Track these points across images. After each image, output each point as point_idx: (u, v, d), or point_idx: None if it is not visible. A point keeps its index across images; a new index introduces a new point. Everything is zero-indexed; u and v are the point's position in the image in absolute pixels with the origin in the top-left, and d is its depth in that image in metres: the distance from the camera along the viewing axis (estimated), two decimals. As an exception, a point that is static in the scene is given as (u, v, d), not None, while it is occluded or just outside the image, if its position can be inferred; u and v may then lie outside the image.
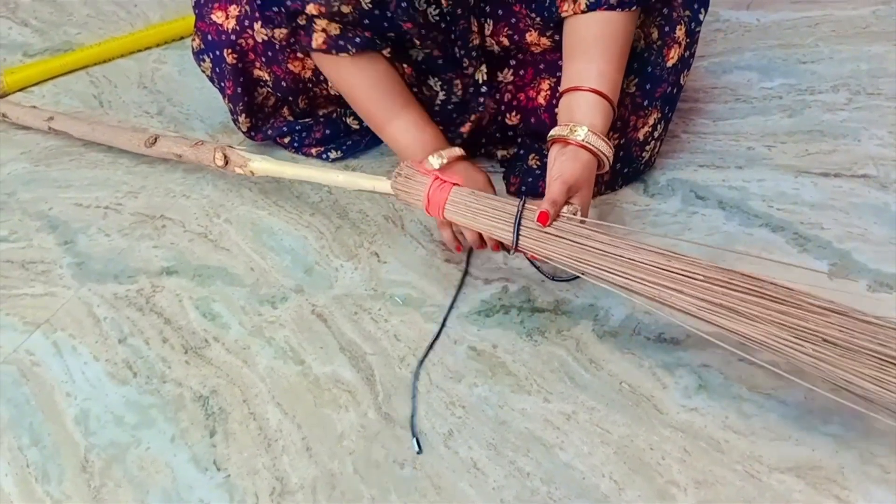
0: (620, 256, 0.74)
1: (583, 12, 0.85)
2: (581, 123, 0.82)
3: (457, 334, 0.86)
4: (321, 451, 0.77)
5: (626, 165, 0.99)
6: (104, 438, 0.80)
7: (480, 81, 0.96)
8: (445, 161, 0.89)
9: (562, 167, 0.81)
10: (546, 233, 0.77)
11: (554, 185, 0.80)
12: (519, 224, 0.79)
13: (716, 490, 0.71)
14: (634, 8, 0.85)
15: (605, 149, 0.83)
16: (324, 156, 1.12)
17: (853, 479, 0.70)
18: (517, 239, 0.79)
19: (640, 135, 0.97)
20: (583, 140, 0.81)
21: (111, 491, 0.76)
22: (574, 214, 0.79)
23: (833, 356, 0.66)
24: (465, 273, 0.93)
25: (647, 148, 0.99)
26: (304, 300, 0.92)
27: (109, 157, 1.16)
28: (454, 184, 0.84)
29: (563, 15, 0.87)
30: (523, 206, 0.79)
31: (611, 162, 0.85)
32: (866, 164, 1.01)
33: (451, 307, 0.89)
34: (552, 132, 0.85)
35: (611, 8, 0.84)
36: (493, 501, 0.72)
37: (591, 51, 0.85)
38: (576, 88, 0.85)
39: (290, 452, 0.77)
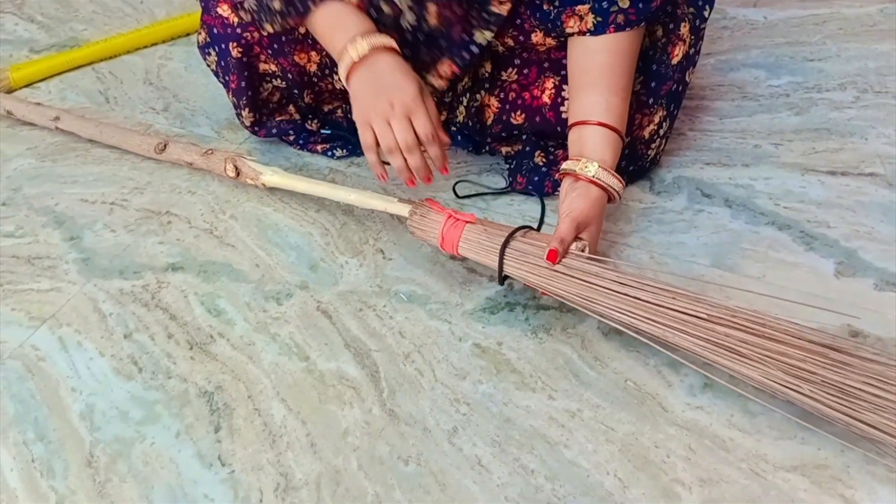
0: (626, 295, 0.76)
1: (590, 31, 0.85)
2: (591, 159, 0.85)
3: (461, 331, 0.86)
4: (325, 447, 0.77)
5: (631, 163, 0.99)
6: (109, 433, 0.80)
7: (477, 41, 0.92)
8: (367, 50, 0.84)
9: (571, 204, 0.83)
10: (554, 270, 0.79)
11: (563, 222, 0.82)
12: (503, 255, 0.81)
13: (721, 488, 0.70)
14: (642, 25, 0.86)
15: (616, 184, 0.85)
16: (329, 153, 1.12)
17: (858, 478, 0.70)
18: (501, 272, 0.82)
19: (646, 133, 0.97)
20: (593, 176, 0.84)
21: (116, 486, 0.76)
22: (582, 250, 0.81)
23: (829, 398, 0.68)
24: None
25: (653, 146, 0.99)
26: (309, 296, 0.92)
27: (115, 154, 1.17)
28: (467, 221, 0.85)
29: (569, 31, 0.87)
30: (506, 242, 0.81)
31: (621, 196, 0.87)
32: (873, 162, 1.01)
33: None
34: (564, 166, 0.87)
35: (619, 28, 0.84)
36: (497, 498, 0.72)
37: (598, 83, 0.87)
38: (584, 123, 0.87)
39: (295, 448, 0.77)
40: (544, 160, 1.00)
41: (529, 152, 1.01)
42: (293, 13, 0.89)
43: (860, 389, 0.67)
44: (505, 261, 0.82)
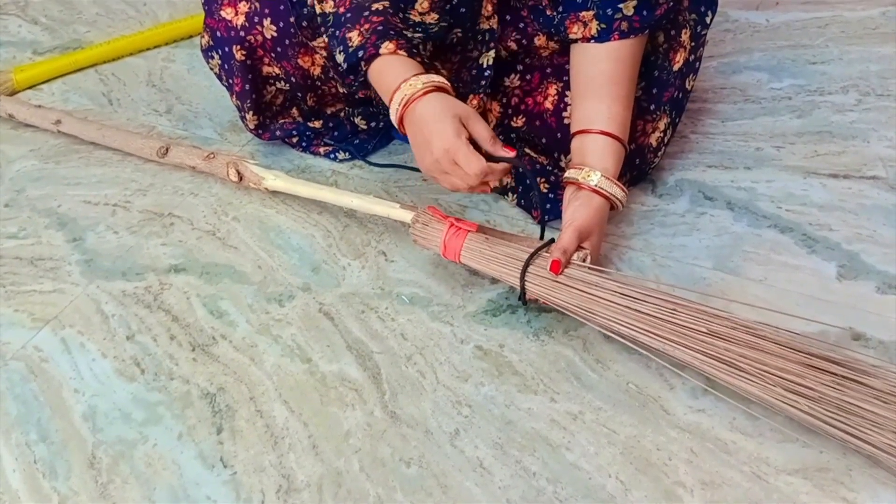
0: (627, 307, 0.76)
1: (593, 38, 0.86)
2: (594, 167, 0.85)
3: (463, 334, 0.86)
4: (327, 449, 0.77)
5: (636, 169, 0.98)
6: (111, 435, 0.80)
7: (485, 66, 0.94)
8: (420, 87, 0.81)
9: (574, 213, 0.84)
10: (555, 280, 0.80)
11: (566, 232, 0.82)
12: (524, 279, 0.81)
13: (723, 491, 0.70)
14: (645, 32, 0.86)
15: (619, 193, 0.85)
16: (331, 155, 1.12)
17: (861, 480, 0.70)
18: (523, 294, 0.82)
19: (653, 140, 0.97)
20: (595, 185, 0.84)
21: (118, 487, 0.76)
22: (584, 260, 0.81)
23: (827, 414, 0.68)
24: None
25: (660, 154, 0.99)
26: (312, 298, 0.92)
27: (118, 156, 1.17)
28: (468, 230, 0.86)
29: (572, 37, 0.87)
30: (529, 261, 0.81)
31: (624, 205, 0.87)
32: (875, 165, 1.01)
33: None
34: (567, 174, 0.87)
35: (623, 35, 0.84)
36: (498, 501, 0.72)
37: (601, 91, 0.87)
38: (586, 131, 0.87)
39: (297, 450, 0.77)
40: (547, 187, 0.98)
41: (530, 184, 0.98)
42: (352, 79, 0.90)
43: (859, 406, 0.67)
44: (505, 269, 0.83)
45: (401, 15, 0.89)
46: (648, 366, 0.81)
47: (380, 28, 0.85)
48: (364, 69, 0.87)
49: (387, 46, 0.84)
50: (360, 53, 0.85)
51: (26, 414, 0.83)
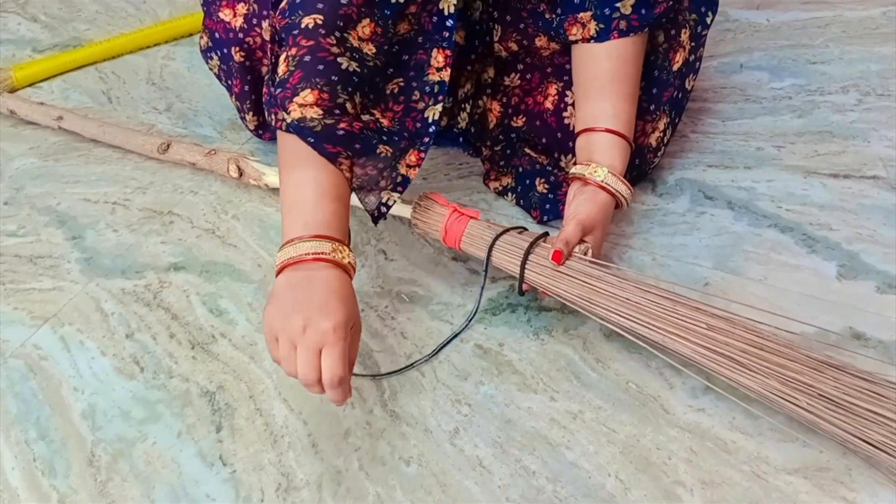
0: (627, 299, 0.76)
1: (593, 38, 0.86)
2: (601, 164, 0.85)
3: (463, 332, 0.86)
4: (327, 447, 0.77)
5: (635, 170, 0.98)
6: (111, 433, 0.80)
7: (430, 120, 0.84)
8: (346, 256, 0.73)
9: (578, 207, 0.84)
10: (557, 270, 0.80)
11: (569, 224, 0.82)
12: (524, 267, 0.81)
13: (722, 491, 0.70)
14: (646, 30, 0.86)
15: (624, 191, 0.85)
16: (332, 153, 1.12)
17: (860, 480, 0.70)
18: (521, 283, 0.82)
19: (653, 140, 0.96)
20: (602, 181, 0.84)
21: (118, 485, 0.76)
22: (585, 253, 0.81)
23: (826, 411, 0.68)
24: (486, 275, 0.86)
25: (660, 154, 0.99)
26: (311, 297, 0.92)
27: (118, 154, 1.17)
28: (471, 216, 0.86)
29: (572, 39, 0.87)
30: (528, 251, 0.81)
31: (629, 203, 0.87)
32: (876, 165, 1.01)
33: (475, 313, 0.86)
34: (573, 170, 0.87)
35: (622, 34, 0.84)
36: (498, 500, 0.72)
37: (604, 90, 0.87)
38: (592, 129, 0.87)
39: (296, 448, 0.77)
40: (546, 187, 0.97)
41: (530, 185, 0.98)
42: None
43: (856, 405, 0.67)
44: (506, 257, 0.82)
45: (337, 35, 0.76)
46: (648, 365, 0.81)
47: (307, 58, 0.74)
48: (274, 121, 0.76)
49: (304, 97, 0.74)
50: (278, 91, 0.75)
51: (25, 412, 0.83)
